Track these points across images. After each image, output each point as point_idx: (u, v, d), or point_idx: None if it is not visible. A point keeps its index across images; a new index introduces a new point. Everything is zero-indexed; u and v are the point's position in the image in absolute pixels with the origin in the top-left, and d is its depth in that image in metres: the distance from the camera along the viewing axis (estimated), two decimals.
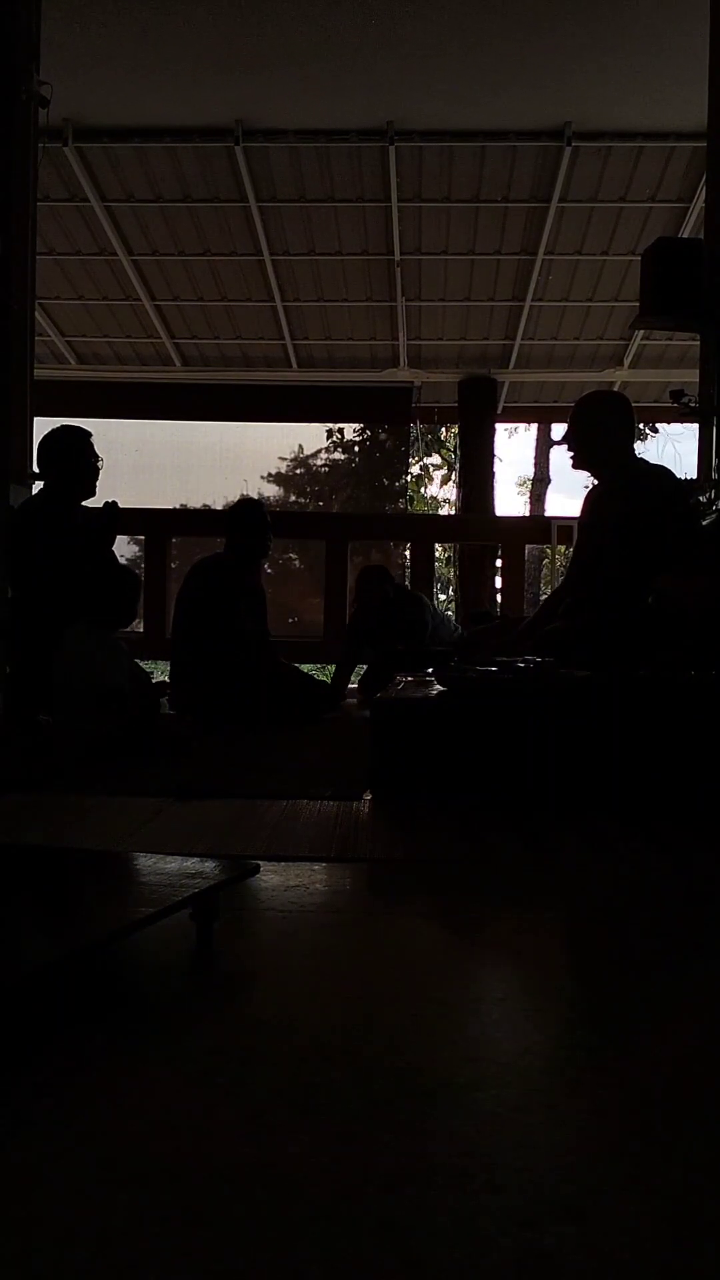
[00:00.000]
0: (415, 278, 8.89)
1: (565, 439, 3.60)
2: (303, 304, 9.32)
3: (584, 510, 3.72)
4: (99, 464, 3.94)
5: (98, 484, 3.99)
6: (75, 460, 3.88)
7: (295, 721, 4.36)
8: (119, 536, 4.17)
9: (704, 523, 3.60)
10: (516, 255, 8.61)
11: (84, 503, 3.98)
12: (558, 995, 1.40)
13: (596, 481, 3.68)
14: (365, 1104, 1.02)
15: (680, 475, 3.65)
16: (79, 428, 3.98)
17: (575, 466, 3.61)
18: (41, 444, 3.94)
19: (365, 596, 5.69)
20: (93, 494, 3.94)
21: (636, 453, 3.67)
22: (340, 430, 14.78)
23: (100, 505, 3.88)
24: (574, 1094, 1.07)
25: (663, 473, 3.46)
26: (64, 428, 3.97)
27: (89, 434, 3.96)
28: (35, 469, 4.03)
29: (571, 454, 3.57)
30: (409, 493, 15.76)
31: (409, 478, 15.70)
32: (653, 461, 3.56)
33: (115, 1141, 0.94)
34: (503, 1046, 1.19)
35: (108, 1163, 0.91)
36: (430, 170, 7.81)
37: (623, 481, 3.44)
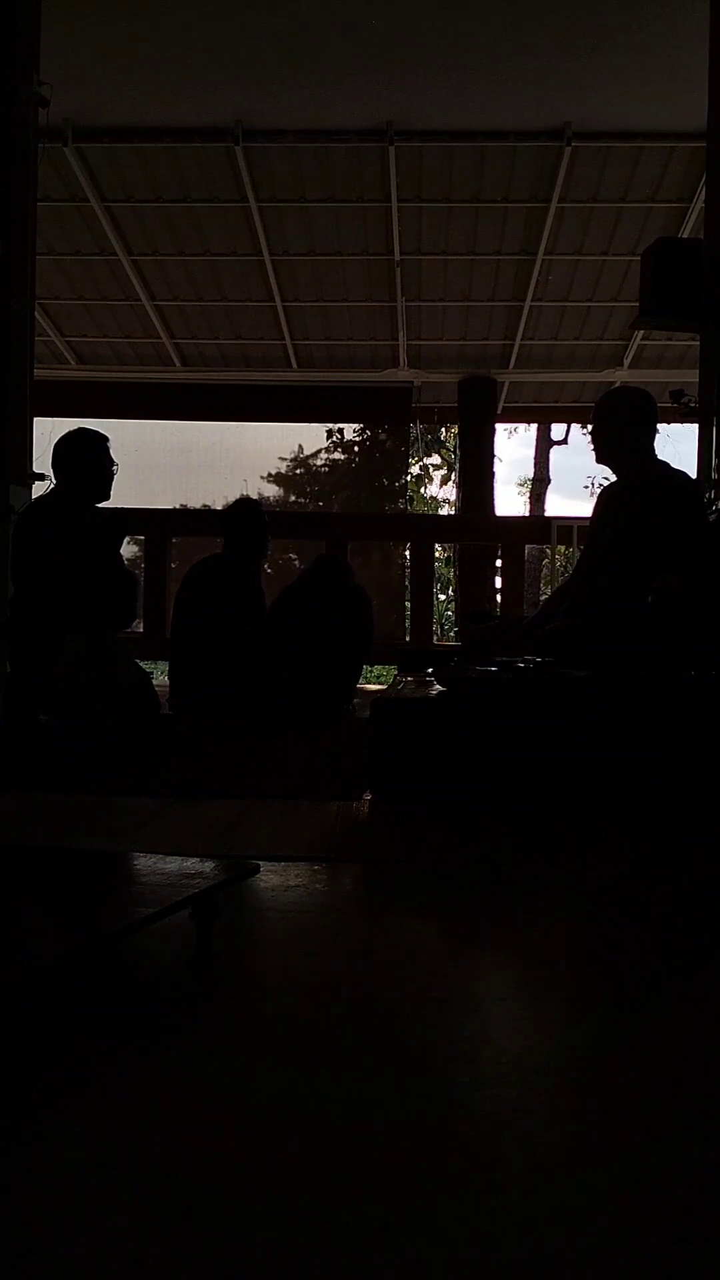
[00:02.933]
0: (415, 278, 8.89)
1: (590, 434, 3.60)
2: (303, 304, 9.32)
3: (596, 508, 3.71)
4: (114, 468, 3.95)
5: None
6: (91, 463, 3.90)
7: (296, 723, 4.36)
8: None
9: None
10: (516, 255, 8.61)
11: (97, 506, 3.98)
12: (558, 995, 1.40)
13: (612, 478, 3.67)
14: (365, 1104, 1.02)
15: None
16: (97, 431, 3.99)
17: (598, 461, 3.61)
18: (58, 445, 3.94)
19: (315, 579, 5.08)
20: (107, 498, 3.96)
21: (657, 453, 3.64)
22: (340, 430, 14.75)
23: (111, 509, 3.91)
24: (574, 1094, 1.07)
25: (678, 475, 3.44)
26: (81, 430, 3.98)
27: (106, 438, 3.98)
28: (49, 469, 4.03)
29: (594, 448, 3.57)
30: (409, 493, 15.75)
31: (409, 478, 15.68)
32: (672, 465, 3.53)
33: (115, 1141, 0.94)
34: (503, 1046, 1.19)
35: (108, 1163, 0.91)
36: (430, 170, 7.80)
37: (636, 481, 3.43)
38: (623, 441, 3.47)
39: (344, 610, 5.03)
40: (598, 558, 3.49)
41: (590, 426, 3.62)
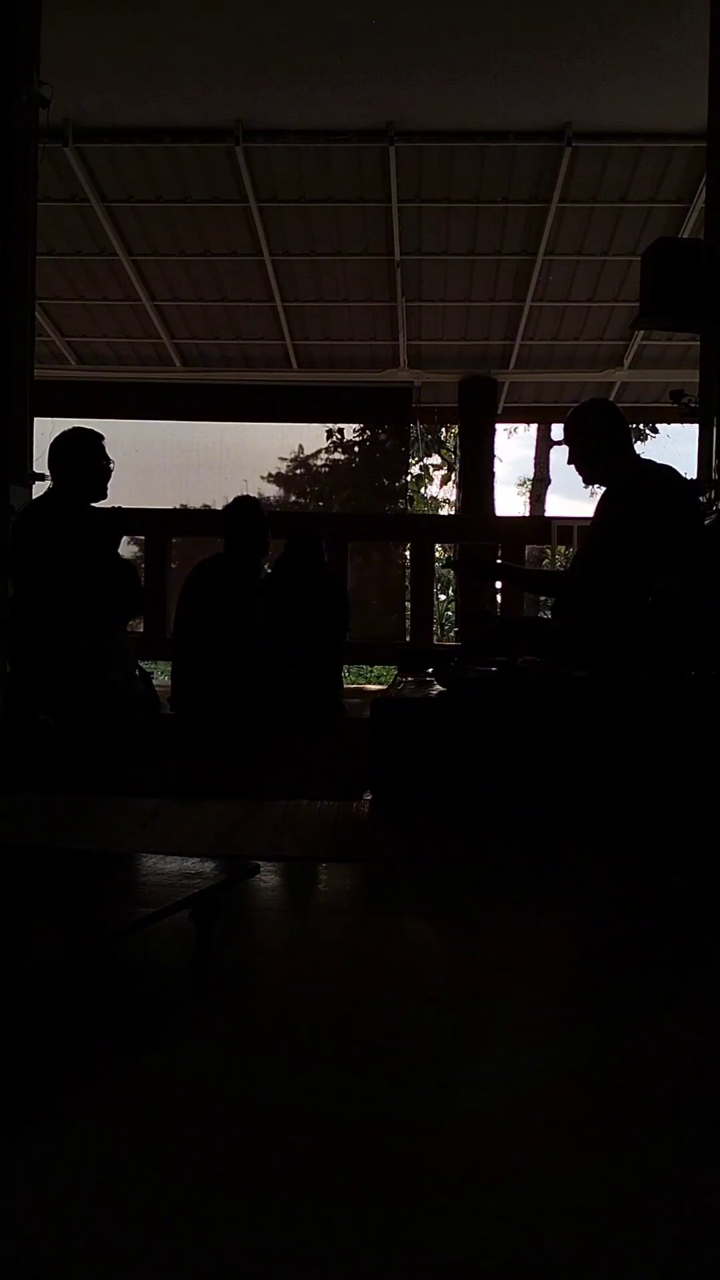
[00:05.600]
0: (415, 278, 8.88)
1: (570, 460, 3.58)
2: (303, 304, 9.31)
3: (595, 512, 3.71)
4: (110, 466, 3.95)
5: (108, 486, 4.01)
6: (87, 462, 3.89)
7: (296, 724, 4.36)
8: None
9: (704, 523, 3.59)
10: (516, 255, 8.61)
11: (94, 504, 3.98)
12: (558, 995, 1.40)
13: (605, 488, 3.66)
14: (365, 1104, 1.02)
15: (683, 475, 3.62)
16: (91, 430, 3.98)
17: (586, 482, 3.59)
18: (53, 445, 3.94)
19: (298, 554, 5.08)
20: (103, 496, 3.96)
21: (639, 453, 3.63)
22: (340, 430, 14.76)
23: (110, 508, 3.91)
24: (574, 1093, 1.07)
25: (666, 472, 3.44)
26: (76, 429, 3.98)
27: (101, 436, 3.98)
28: (46, 469, 4.03)
29: (579, 472, 3.55)
30: (409, 493, 15.74)
31: (409, 478, 15.68)
32: (657, 462, 3.53)
33: (115, 1141, 0.94)
34: (503, 1046, 1.19)
35: (108, 1163, 0.91)
36: (430, 170, 7.80)
37: (626, 482, 3.43)
38: (599, 455, 3.46)
39: (315, 588, 5.05)
40: (592, 558, 3.48)
41: (569, 453, 3.59)
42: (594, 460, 3.48)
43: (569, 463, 3.60)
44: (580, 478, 3.56)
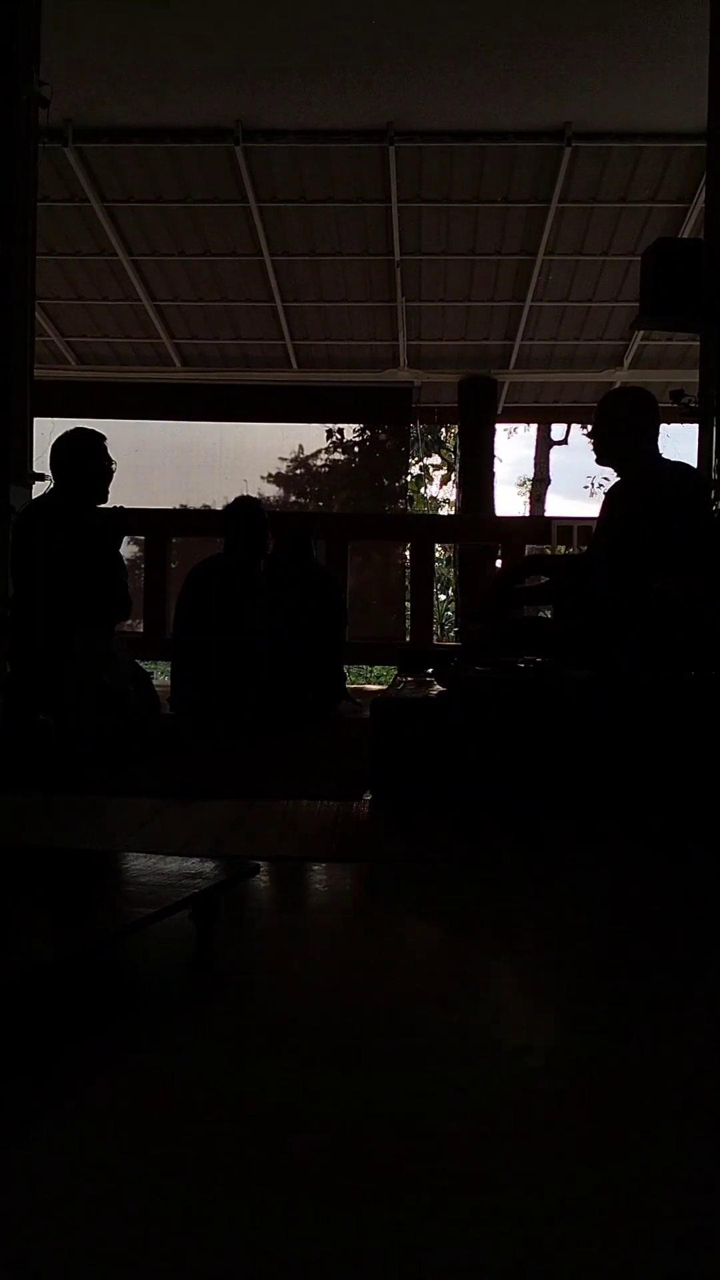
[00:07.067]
0: (415, 278, 8.89)
1: (591, 434, 3.59)
2: (303, 304, 9.32)
3: (601, 509, 3.70)
4: (112, 467, 3.95)
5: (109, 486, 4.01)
6: (88, 463, 3.89)
7: (297, 722, 4.36)
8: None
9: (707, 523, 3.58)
10: (516, 255, 8.62)
11: (95, 505, 3.98)
12: (557, 995, 1.40)
13: (616, 478, 3.65)
14: (365, 1104, 1.02)
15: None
16: (93, 430, 3.98)
17: (598, 462, 3.58)
18: (55, 446, 3.94)
19: (288, 549, 5.11)
20: (105, 497, 3.95)
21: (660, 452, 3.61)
22: (340, 430, 14.76)
23: (111, 508, 3.91)
24: (574, 1094, 1.07)
25: (682, 471, 3.42)
26: (78, 430, 3.97)
27: (103, 437, 3.97)
28: (47, 470, 4.02)
29: (595, 449, 3.55)
30: (409, 493, 15.74)
31: (409, 478, 15.68)
32: (673, 461, 3.50)
33: (115, 1141, 0.94)
34: (503, 1046, 1.19)
35: (108, 1163, 0.91)
36: (430, 170, 7.81)
37: (638, 479, 3.42)
38: (623, 442, 3.45)
39: (312, 587, 5.05)
40: (598, 556, 3.48)
41: (590, 426, 3.60)
42: (606, 444, 3.47)
43: (588, 434, 3.59)
44: (593, 455, 3.56)
